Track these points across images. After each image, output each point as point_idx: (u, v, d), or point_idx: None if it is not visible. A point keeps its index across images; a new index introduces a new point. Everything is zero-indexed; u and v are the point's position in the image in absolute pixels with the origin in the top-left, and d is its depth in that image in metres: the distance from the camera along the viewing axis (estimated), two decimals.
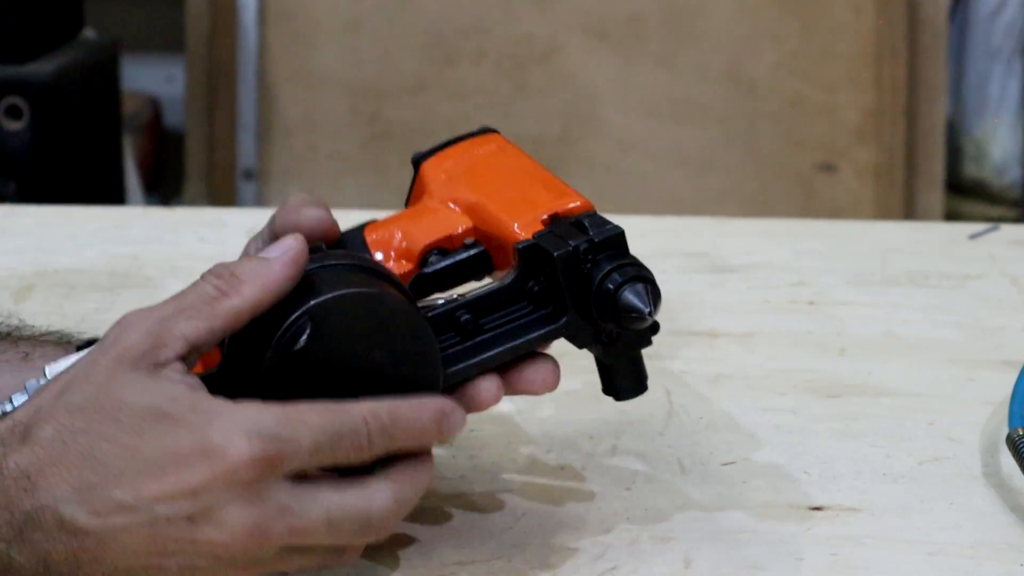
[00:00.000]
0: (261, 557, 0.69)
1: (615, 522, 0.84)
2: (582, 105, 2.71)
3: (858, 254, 1.25)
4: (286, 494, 0.69)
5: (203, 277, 0.72)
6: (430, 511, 0.85)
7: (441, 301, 0.77)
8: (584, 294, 0.77)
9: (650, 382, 0.81)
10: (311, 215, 0.80)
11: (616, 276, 0.76)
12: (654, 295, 0.77)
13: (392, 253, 0.82)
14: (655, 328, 0.79)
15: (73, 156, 2.31)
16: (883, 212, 2.65)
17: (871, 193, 2.67)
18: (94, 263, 1.19)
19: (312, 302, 0.72)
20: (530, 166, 0.85)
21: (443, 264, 0.81)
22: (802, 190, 2.69)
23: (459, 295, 0.78)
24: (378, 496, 0.71)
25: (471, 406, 0.77)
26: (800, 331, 1.10)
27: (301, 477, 0.70)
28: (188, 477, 0.67)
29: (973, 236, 1.28)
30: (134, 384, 0.68)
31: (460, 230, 0.82)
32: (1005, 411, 0.91)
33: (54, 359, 0.73)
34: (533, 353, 0.78)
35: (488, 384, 0.77)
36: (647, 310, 0.76)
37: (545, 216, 0.80)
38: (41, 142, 2.23)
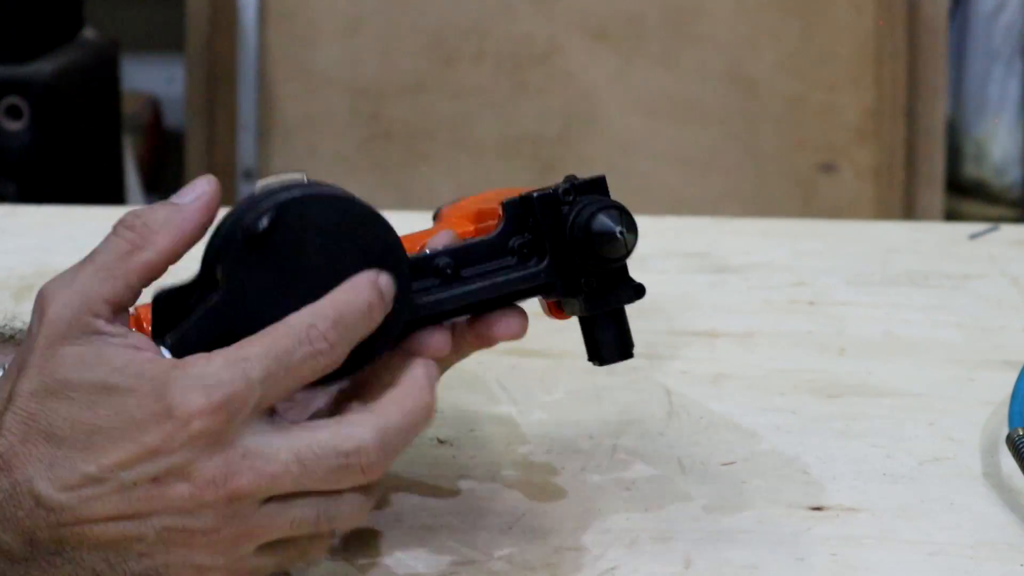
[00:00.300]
0: (238, 513, 0.68)
1: (615, 522, 0.84)
2: (582, 105, 2.71)
3: (858, 254, 1.25)
4: (252, 437, 0.68)
5: (115, 229, 0.70)
6: (430, 511, 0.85)
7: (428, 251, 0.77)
8: (560, 234, 0.77)
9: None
10: None
11: (591, 207, 0.77)
12: (627, 220, 0.77)
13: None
14: (640, 290, 0.79)
15: (73, 156, 2.31)
16: (883, 212, 2.65)
17: (871, 193, 2.67)
18: None
19: (283, 198, 0.71)
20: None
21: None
22: (802, 190, 2.69)
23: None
24: (356, 430, 0.69)
25: (418, 351, 0.75)
26: (800, 331, 1.10)
27: (275, 419, 0.69)
28: (146, 440, 0.67)
29: (973, 236, 1.28)
30: (73, 360, 0.68)
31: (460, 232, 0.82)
32: (1005, 411, 0.91)
33: None
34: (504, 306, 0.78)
35: (439, 334, 0.76)
36: (618, 229, 0.76)
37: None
38: (41, 142, 2.24)
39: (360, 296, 0.71)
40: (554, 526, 0.84)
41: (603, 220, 0.76)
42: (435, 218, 0.91)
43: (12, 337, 0.85)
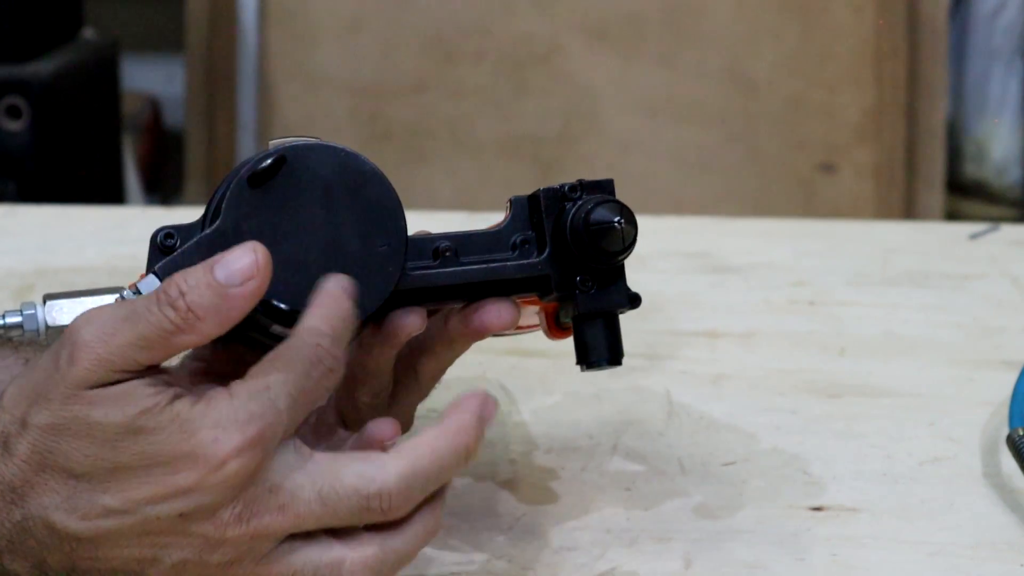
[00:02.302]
0: (256, 549, 0.68)
1: (615, 522, 0.84)
2: (582, 105, 2.71)
3: (858, 254, 1.25)
4: (277, 472, 0.68)
5: (157, 298, 0.69)
6: None
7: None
8: (562, 233, 0.77)
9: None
10: None
11: (592, 201, 0.77)
12: (627, 214, 0.76)
13: None
14: (636, 300, 0.79)
15: (73, 156, 2.31)
16: (883, 212, 2.65)
17: (871, 193, 2.67)
18: (94, 263, 1.19)
19: (289, 143, 0.72)
20: None
21: None
22: (802, 190, 2.69)
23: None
24: (380, 473, 0.69)
25: (394, 332, 0.76)
26: (800, 331, 1.10)
27: (296, 446, 0.69)
28: (178, 481, 0.67)
29: (973, 236, 1.28)
30: (100, 403, 0.67)
31: None
32: (1005, 411, 0.91)
33: None
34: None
35: (414, 315, 0.75)
36: (616, 219, 0.76)
37: None
38: (41, 142, 2.24)
39: (342, 306, 0.71)
40: (554, 526, 0.84)
41: (602, 211, 0.76)
42: None
43: (11, 339, 0.85)
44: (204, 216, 0.73)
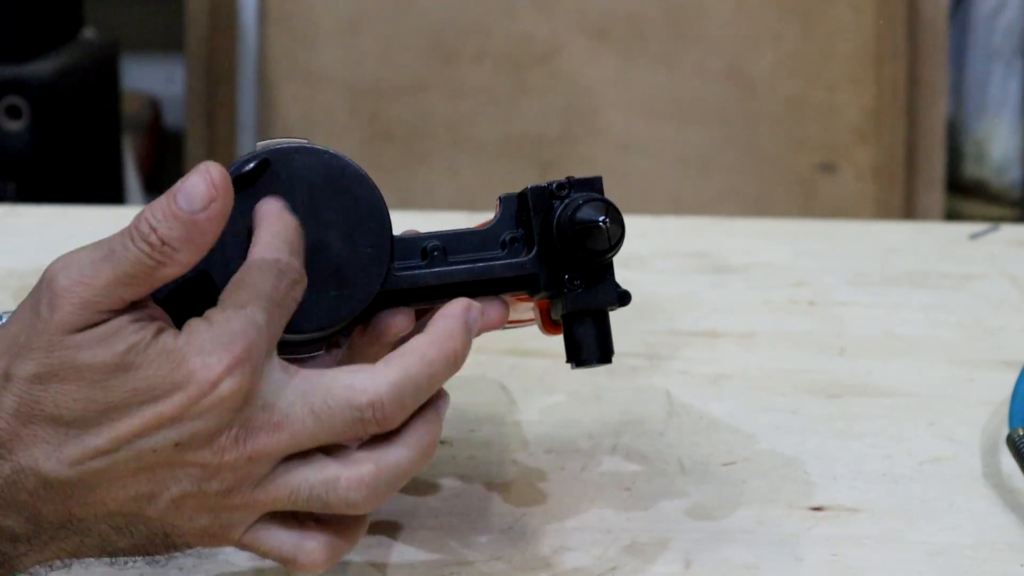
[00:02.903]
0: (253, 474, 0.68)
1: (615, 522, 0.84)
2: (582, 105, 2.71)
3: (858, 254, 1.25)
4: (267, 389, 0.68)
5: (131, 236, 0.69)
6: (430, 511, 0.85)
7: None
8: (549, 231, 0.77)
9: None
10: None
11: (578, 200, 0.77)
12: (613, 213, 0.76)
13: None
14: (625, 297, 0.78)
15: (73, 156, 2.31)
16: (883, 212, 2.65)
17: (871, 193, 2.67)
18: None
19: (273, 146, 0.73)
20: None
21: None
22: (802, 190, 2.69)
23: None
24: (370, 382, 0.69)
25: (382, 332, 0.76)
26: (800, 331, 1.10)
27: (283, 364, 0.69)
28: (166, 408, 0.66)
29: (973, 236, 1.28)
30: (87, 344, 0.67)
31: None
32: (1005, 411, 0.91)
33: None
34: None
35: (402, 315, 0.76)
36: (601, 218, 0.76)
37: None
38: (41, 142, 2.24)
39: (287, 220, 0.72)
40: (554, 526, 0.84)
41: (587, 210, 0.76)
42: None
43: None
44: None
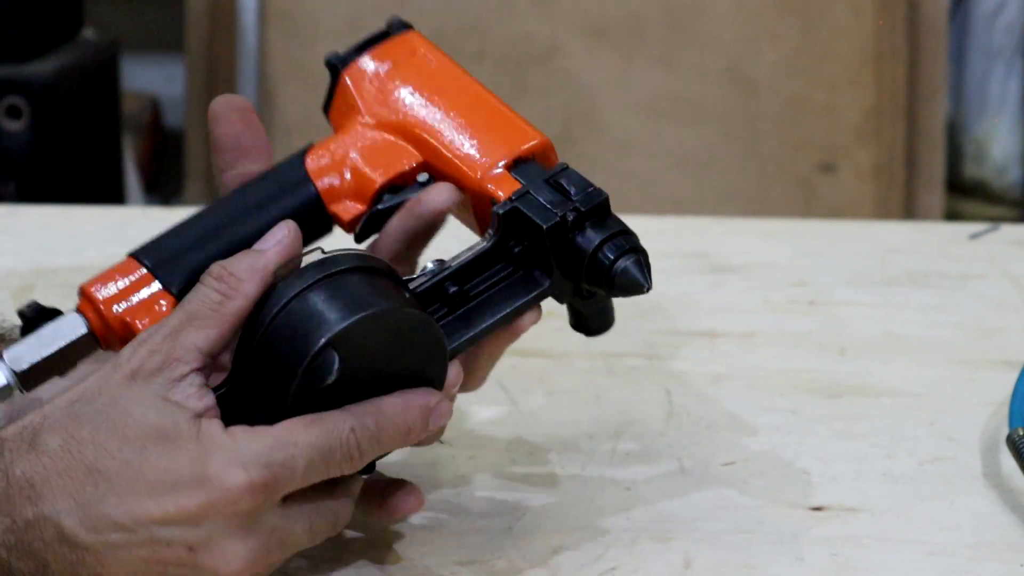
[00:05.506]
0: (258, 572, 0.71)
1: (615, 522, 0.84)
2: (582, 105, 2.71)
3: (858, 254, 1.25)
4: (278, 517, 0.70)
5: (203, 281, 0.72)
6: (430, 511, 0.85)
7: (429, 267, 0.77)
8: (570, 260, 0.77)
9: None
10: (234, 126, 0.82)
11: (609, 250, 0.77)
12: (647, 266, 0.77)
13: (343, 193, 0.82)
14: None
15: (73, 156, 2.31)
16: (883, 212, 2.65)
17: (871, 193, 2.67)
18: (94, 263, 1.18)
19: (335, 330, 0.71)
20: (464, 82, 0.85)
21: (397, 201, 0.81)
22: (802, 190, 2.69)
23: (438, 260, 0.77)
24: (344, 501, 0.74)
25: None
26: (800, 331, 1.10)
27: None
28: (185, 503, 0.68)
29: (973, 236, 1.28)
30: (144, 399, 0.69)
31: (412, 166, 0.82)
32: (1005, 411, 0.91)
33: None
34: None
35: (453, 370, 0.77)
36: (646, 286, 0.77)
37: (506, 161, 0.80)
38: (41, 142, 2.23)
39: (407, 419, 0.73)
40: (554, 526, 0.84)
41: (631, 274, 0.77)
42: (333, 70, 0.88)
43: (2, 338, 0.85)
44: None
